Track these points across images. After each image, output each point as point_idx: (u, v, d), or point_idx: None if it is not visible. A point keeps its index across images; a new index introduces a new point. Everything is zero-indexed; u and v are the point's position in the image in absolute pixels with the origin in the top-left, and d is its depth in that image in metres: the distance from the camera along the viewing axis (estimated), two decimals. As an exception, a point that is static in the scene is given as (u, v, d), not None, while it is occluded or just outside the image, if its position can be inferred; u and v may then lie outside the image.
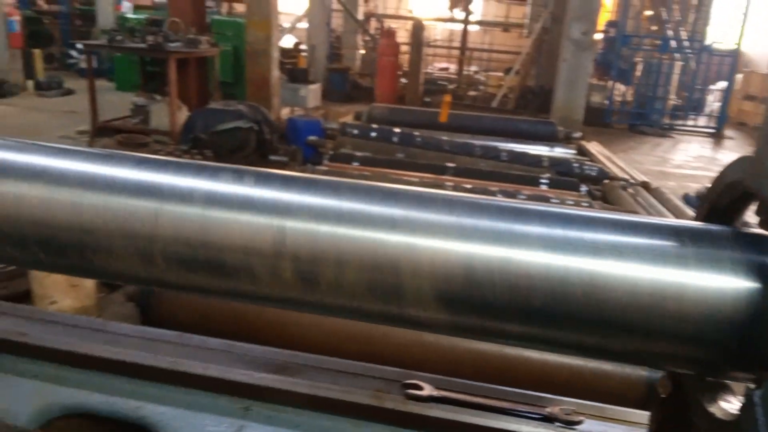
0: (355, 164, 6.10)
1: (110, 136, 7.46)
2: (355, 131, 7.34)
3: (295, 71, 9.69)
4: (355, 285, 0.71)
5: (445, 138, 6.76)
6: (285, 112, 9.55)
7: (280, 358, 1.31)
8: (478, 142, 6.75)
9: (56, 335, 1.32)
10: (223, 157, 6.22)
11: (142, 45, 7.53)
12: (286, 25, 14.71)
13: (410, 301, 0.70)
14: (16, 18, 11.34)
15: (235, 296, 0.86)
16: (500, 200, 0.80)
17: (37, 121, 8.98)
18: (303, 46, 14.59)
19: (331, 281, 0.71)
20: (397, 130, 7.06)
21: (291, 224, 0.71)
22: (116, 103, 9.30)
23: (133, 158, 0.83)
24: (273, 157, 7.09)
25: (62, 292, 3.40)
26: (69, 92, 11.55)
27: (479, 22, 20.81)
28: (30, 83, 11.55)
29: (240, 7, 17.93)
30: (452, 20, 18.14)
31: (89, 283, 3.63)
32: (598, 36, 13.38)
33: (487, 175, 5.71)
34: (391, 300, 0.71)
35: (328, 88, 12.90)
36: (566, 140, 7.61)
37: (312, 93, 9.70)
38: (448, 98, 7.94)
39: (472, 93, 15.27)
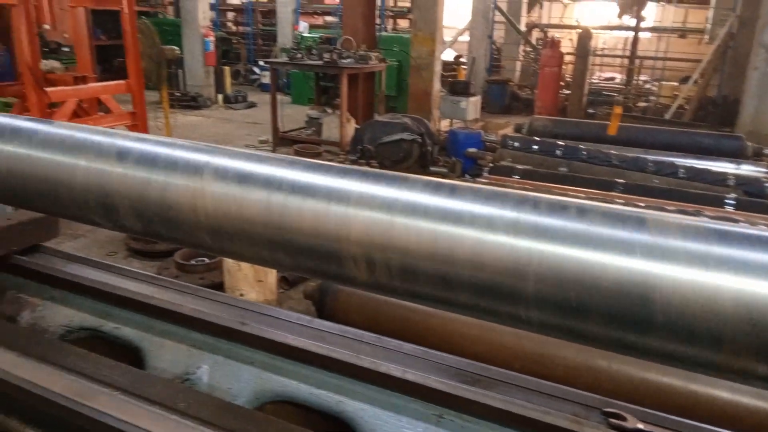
0: (516, 177, 5.99)
1: (288, 145, 8.12)
2: (516, 144, 7.22)
3: (456, 84, 9.77)
4: (603, 308, 0.71)
5: (613, 152, 6.38)
6: (444, 124, 9.67)
7: (473, 370, 1.33)
8: (651, 157, 6.29)
9: (271, 327, 1.47)
10: (387, 168, 6.48)
11: (319, 62, 8.11)
12: (448, 38, 14.92)
13: (662, 332, 0.68)
14: (211, 39, 12.82)
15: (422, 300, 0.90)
16: (693, 220, 0.75)
17: (227, 130, 10.06)
18: (463, 59, 14.68)
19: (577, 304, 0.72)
20: (560, 142, 6.83)
21: (542, 247, 0.73)
22: (292, 115, 10.12)
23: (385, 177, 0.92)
24: (433, 169, 7.23)
25: (249, 286, 3.78)
26: (252, 105, 12.81)
27: (652, 29, 19.34)
28: (220, 97, 12.98)
29: (403, 23, 18.58)
30: (622, 28, 17.07)
31: (272, 279, 3.98)
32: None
33: (662, 193, 5.30)
34: (635, 328, 0.70)
35: (486, 100, 12.84)
36: (756, 157, 6.82)
37: (472, 105, 9.72)
38: (618, 110, 7.49)
39: (641, 104, 14.24)
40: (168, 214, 1.09)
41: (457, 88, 9.87)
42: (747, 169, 6.32)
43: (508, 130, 8.60)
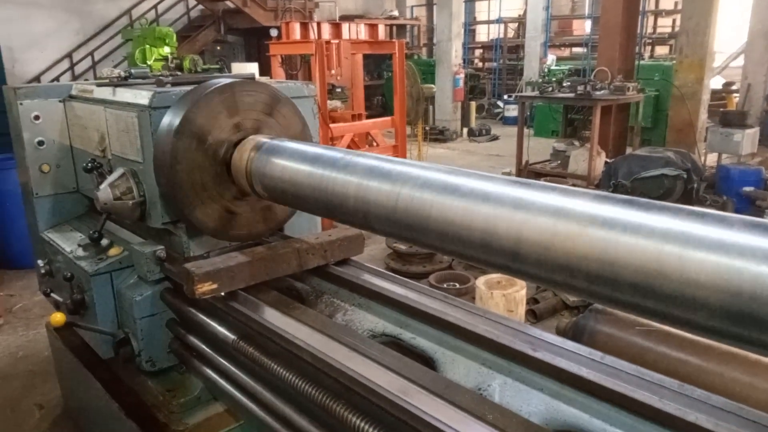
0: (808, 223, 5.10)
1: (532, 178, 8.09)
2: (809, 183, 6.18)
3: (728, 114, 8.70)
4: None
5: None
6: (712, 159, 8.67)
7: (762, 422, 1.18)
8: None
9: (560, 357, 1.50)
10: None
11: (570, 94, 7.97)
12: (717, 64, 13.39)
13: None
14: (461, 76, 13.51)
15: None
16: None
17: (471, 162, 10.45)
18: (735, 86, 13.02)
19: None
20: None
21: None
22: (535, 147, 10.07)
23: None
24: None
25: (499, 315, 3.87)
26: (494, 138, 13.10)
27: None
28: (465, 130, 13.55)
29: (660, 50, 17.22)
30: None
31: (521, 311, 4.01)
32: None
33: None
34: None
35: (764, 131, 11.14)
36: None
37: (748, 138, 8.53)
38: None
39: None
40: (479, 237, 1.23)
41: (730, 119, 8.78)
42: None
43: (796, 167, 7.34)
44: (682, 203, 5.09)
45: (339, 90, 11.15)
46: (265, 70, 6.67)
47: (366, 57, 10.84)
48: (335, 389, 1.54)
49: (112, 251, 2.33)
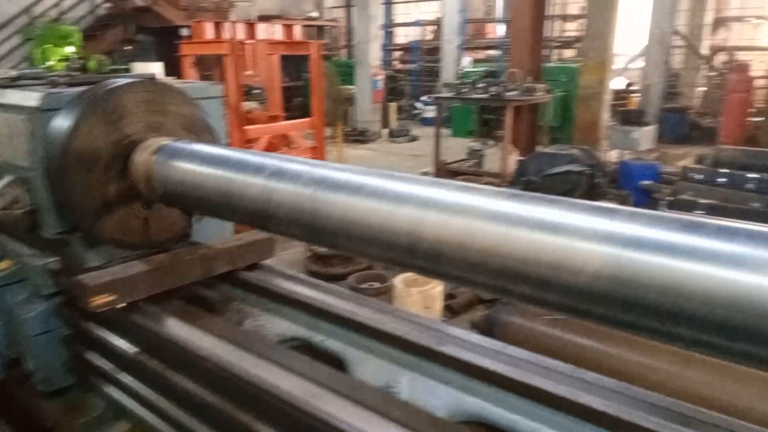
0: (699, 213, 5.54)
1: (449, 176, 8.29)
2: (699, 176, 6.71)
3: (628, 113, 9.33)
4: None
5: (823, 186, 5.62)
6: (613, 155, 9.21)
7: (679, 410, 1.27)
8: None
9: (466, 350, 1.55)
10: (553, 200, 6.33)
11: (484, 95, 8.23)
12: (618, 66, 14.26)
13: None
14: (380, 77, 13.62)
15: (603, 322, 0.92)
16: None
17: (392, 162, 10.57)
18: (634, 87, 13.91)
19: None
20: (753, 175, 6.21)
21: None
22: (452, 147, 10.32)
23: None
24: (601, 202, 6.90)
25: (417, 312, 3.93)
26: (414, 139, 13.31)
27: None
28: (385, 131, 13.68)
29: (569, 53, 18.11)
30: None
31: (438, 307, 4.09)
32: None
33: None
34: None
35: (662, 129, 11.99)
36: None
37: (645, 135, 9.18)
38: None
39: None
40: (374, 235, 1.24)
41: (629, 118, 9.41)
42: None
43: (688, 162, 7.96)
44: (587, 198, 5.36)
45: (257, 91, 10.96)
46: (176, 70, 6.43)
47: (285, 58, 10.70)
48: (242, 398, 1.50)
49: (1, 265, 2.17)
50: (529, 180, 6.61)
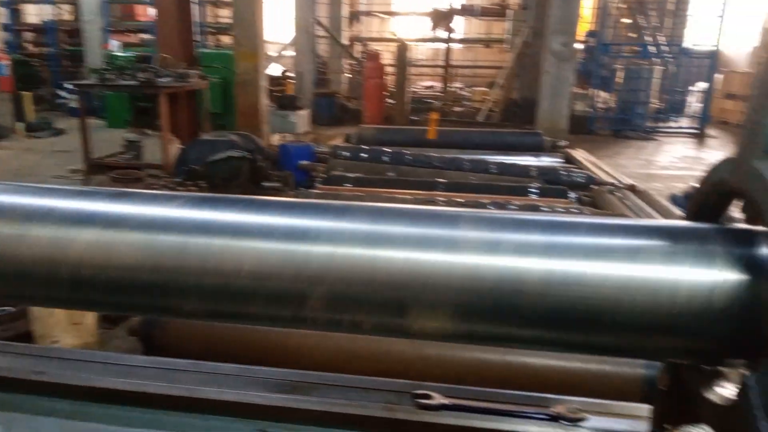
0: (348, 185, 6.15)
1: (104, 173, 7.48)
2: (346, 153, 7.42)
3: (283, 98, 9.81)
4: (369, 301, 0.76)
5: (434, 155, 6.83)
6: (275, 139, 9.62)
7: (292, 378, 1.34)
8: (467, 156, 6.84)
9: (73, 371, 1.35)
10: (218, 187, 6.26)
11: (133, 82, 7.61)
12: (273, 53, 14.89)
13: (421, 314, 0.75)
14: (5, 62, 11.43)
15: (254, 320, 0.90)
16: (500, 213, 0.86)
17: (31, 162, 9.02)
18: (290, 74, 14.75)
19: (348, 300, 0.76)
20: (387, 149, 7.16)
21: (312, 249, 0.77)
22: (108, 140, 9.34)
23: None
24: (266, 184, 7.14)
25: (64, 331, 3.41)
26: (60, 132, 11.61)
27: (462, 40, 21.10)
28: (20, 125, 11.60)
29: (226, 39, 18.16)
30: (435, 40, 18.39)
31: (90, 320, 3.63)
32: (579, 46, 13.60)
33: (477, 188, 5.78)
34: (402, 314, 0.76)
35: (316, 112, 13.03)
36: (553, 149, 7.72)
37: (301, 119, 9.82)
38: (434, 116, 8.04)
39: (457, 109, 15.45)
40: None
41: (285, 103, 9.91)
42: (546, 161, 7.15)
43: (339, 141, 8.80)
44: (251, 181, 5.40)
45: None
46: None
47: None
48: None
49: None
50: (191, 168, 6.40)
